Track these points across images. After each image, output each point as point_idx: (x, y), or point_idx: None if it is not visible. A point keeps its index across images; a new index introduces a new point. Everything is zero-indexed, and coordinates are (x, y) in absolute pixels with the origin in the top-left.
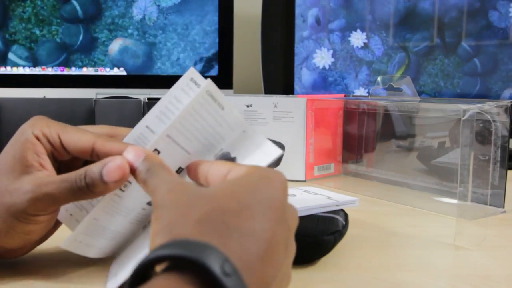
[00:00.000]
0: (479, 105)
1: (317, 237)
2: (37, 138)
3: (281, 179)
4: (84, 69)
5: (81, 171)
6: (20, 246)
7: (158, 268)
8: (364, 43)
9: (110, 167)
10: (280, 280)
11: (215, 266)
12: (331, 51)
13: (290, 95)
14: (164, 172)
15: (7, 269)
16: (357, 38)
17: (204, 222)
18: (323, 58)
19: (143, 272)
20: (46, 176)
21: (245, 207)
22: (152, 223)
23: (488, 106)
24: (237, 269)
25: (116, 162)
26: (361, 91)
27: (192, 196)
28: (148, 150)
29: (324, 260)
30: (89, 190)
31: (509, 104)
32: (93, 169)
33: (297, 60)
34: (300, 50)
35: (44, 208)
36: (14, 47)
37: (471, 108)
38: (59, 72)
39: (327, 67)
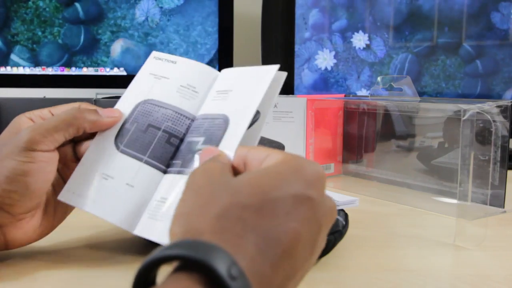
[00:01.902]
0: (479, 105)
1: None
2: (31, 120)
3: (316, 171)
4: (84, 69)
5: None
6: (22, 208)
7: (163, 267)
8: (366, 44)
9: (106, 109)
10: (301, 277)
11: (222, 269)
12: (333, 53)
13: (290, 95)
14: (217, 161)
15: (7, 269)
16: (359, 40)
17: (222, 217)
18: (325, 59)
19: (149, 270)
20: None
21: (267, 203)
22: (179, 201)
23: (488, 106)
24: (244, 273)
25: (111, 108)
26: (363, 93)
27: (217, 186)
28: (222, 152)
29: (324, 260)
30: (82, 117)
31: (509, 104)
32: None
33: (299, 61)
34: (302, 51)
35: (42, 140)
36: (17, 48)
37: (471, 108)
38: (59, 72)
39: (329, 68)
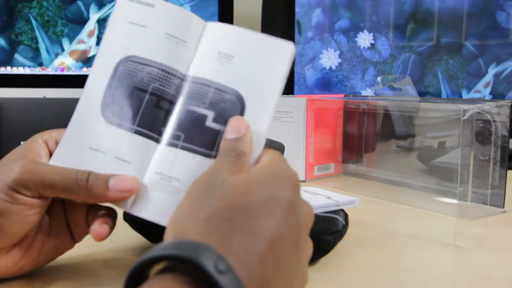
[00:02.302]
0: (479, 105)
1: (317, 237)
2: (45, 143)
3: (290, 177)
4: (84, 69)
5: (86, 170)
6: None
7: (155, 269)
8: (371, 44)
9: (121, 177)
10: (293, 280)
11: (208, 264)
12: (337, 52)
13: (290, 95)
14: (226, 161)
15: None
16: (364, 39)
17: (211, 220)
18: (329, 58)
19: (139, 272)
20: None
21: (252, 204)
22: (175, 209)
23: (488, 106)
24: (232, 267)
25: (128, 177)
26: (367, 92)
27: (210, 191)
28: (248, 131)
29: (324, 260)
30: (85, 187)
31: (509, 104)
32: (100, 173)
33: (303, 60)
34: (306, 50)
35: (30, 187)
36: (20, 48)
37: (471, 108)
38: (59, 72)
39: (333, 67)
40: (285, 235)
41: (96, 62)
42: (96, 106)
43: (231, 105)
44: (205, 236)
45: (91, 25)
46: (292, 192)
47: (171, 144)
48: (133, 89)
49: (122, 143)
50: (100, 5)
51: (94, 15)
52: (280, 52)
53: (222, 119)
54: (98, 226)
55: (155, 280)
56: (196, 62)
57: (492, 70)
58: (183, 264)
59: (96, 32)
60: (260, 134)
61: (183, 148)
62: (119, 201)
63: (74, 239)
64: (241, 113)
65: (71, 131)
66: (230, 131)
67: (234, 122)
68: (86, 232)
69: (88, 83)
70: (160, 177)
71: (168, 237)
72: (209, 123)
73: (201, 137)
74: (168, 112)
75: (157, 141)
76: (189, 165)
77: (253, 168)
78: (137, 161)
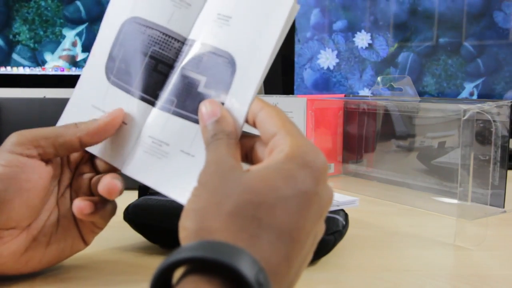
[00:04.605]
0: (479, 105)
1: None
2: None
3: (322, 164)
4: None
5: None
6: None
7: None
8: (369, 44)
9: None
10: (302, 266)
11: (250, 276)
12: (335, 52)
13: (290, 95)
14: (224, 145)
15: None
16: (362, 39)
17: (237, 215)
18: (327, 59)
19: (169, 271)
20: None
21: (280, 201)
22: (191, 197)
23: (488, 106)
24: (269, 279)
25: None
26: (365, 92)
27: (230, 183)
28: (224, 111)
29: (324, 260)
30: (75, 126)
31: (509, 104)
32: None
33: (301, 61)
34: (304, 51)
35: (24, 143)
36: (18, 48)
37: (471, 108)
38: (59, 72)
39: (331, 67)
40: (310, 232)
41: (103, 22)
42: (101, 67)
43: (222, 69)
44: (232, 234)
45: (71, 38)
46: (321, 182)
47: (164, 109)
48: (134, 52)
49: (120, 104)
50: (74, 24)
51: (70, 33)
52: (277, 8)
53: (213, 84)
54: (110, 179)
55: (186, 282)
56: (197, 25)
57: (469, 85)
58: (216, 266)
59: (79, 42)
60: (248, 95)
61: (174, 113)
62: (112, 126)
63: (83, 239)
64: (231, 75)
65: (78, 90)
66: (207, 117)
67: (208, 106)
68: (93, 231)
69: (96, 43)
70: (151, 140)
71: (187, 227)
72: (201, 88)
73: (192, 103)
74: (166, 76)
75: (153, 104)
76: (179, 130)
77: (277, 155)
78: (133, 123)
